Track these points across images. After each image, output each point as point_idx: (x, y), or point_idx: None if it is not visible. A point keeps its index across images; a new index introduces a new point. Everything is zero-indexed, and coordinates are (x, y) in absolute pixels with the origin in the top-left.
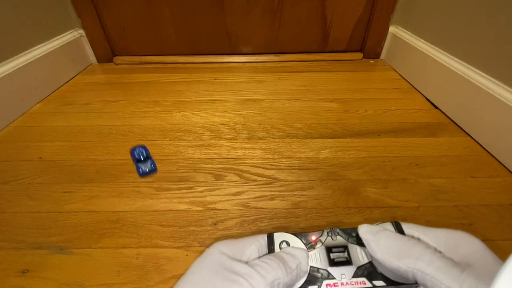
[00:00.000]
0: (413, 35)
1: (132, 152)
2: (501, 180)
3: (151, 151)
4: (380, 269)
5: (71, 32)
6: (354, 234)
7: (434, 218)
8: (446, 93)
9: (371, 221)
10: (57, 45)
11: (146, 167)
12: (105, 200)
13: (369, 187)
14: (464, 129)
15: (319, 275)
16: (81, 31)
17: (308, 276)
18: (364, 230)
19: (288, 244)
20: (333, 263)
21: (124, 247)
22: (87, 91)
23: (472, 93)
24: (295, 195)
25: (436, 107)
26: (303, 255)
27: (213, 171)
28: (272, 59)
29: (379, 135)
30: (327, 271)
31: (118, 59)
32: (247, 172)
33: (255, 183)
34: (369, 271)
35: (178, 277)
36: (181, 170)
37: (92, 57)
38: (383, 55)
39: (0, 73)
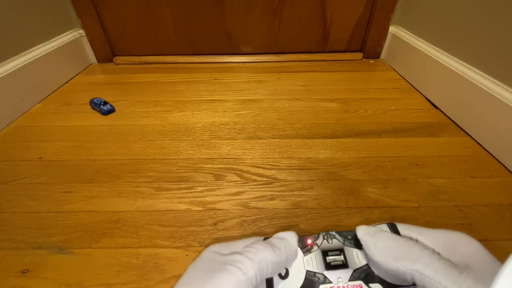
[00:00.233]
0: (413, 35)
1: (91, 101)
2: (501, 180)
3: (151, 151)
4: (377, 272)
5: (71, 32)
6: (350, 237)
7: (434, 218)
8: (446, 93)
9: (371, 221)
10: (57, 45)
11: (106, 108)
12: (105, 200)
13: (369, 187)
14: (464, 129)
15: (315, 279)
16: (81, 31)
17: (304, 281)
18: (362, 232)
19: None
20: (329, 266)
21: (124, 247)
22: (87, 91)
23: (472, 93)
24: (295, 195)
25: (436, 107)
26: (290, 236)
27: (213, 171)
28: (272, 59)
29: (379, 135)
30: (324, 275)
31: (118, 59)
32: (247, 172)
33: (255, 183)
34: (366, 274)
35: (178, 277)
36: (181, 170)
37: (92, 57)
38: (383, 55)
39: (0, 73)
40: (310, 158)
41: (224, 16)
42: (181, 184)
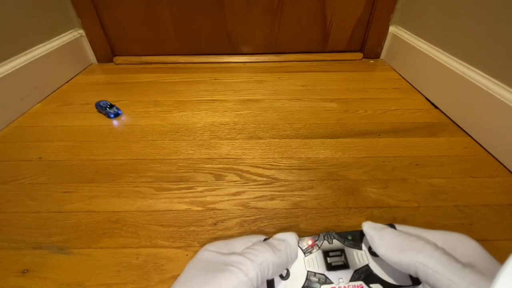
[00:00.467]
0: (413, 35)
1: (97, 104)
2: (501, 180)
3: (151, 151)
4: (376, 271)
5: (71, 32)
6: (350, 238)
7: (434, 218)
8: (446, 93)
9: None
10: (57, 45)
11: (113, 111)
12: (105, 200)
13: (369, 187)
14: (464, 129)
15: (316, 279)
16: (81, 31)
17: (305, 281)
18: (368, 226)
19: None
20: (330, 267)
21: (124, 247)
22: (87, 91)
23: (472, 93)
24: (295, 195)
25: (436, 107)
26: (290, 237)
27: (213, 171)
28: (272, 59)
29: (379, 135)
30: (325, 275)
31: (118, 59)
32: (247, 172)
33: (255, 183)
34: (366, 274)
35: (178, 277)
36: (181, 170)
37: (92, 57)
38: (383, 55)
39: (0, 73)
40: (310, 158)
41: (224, 16)
42: (181, 184)
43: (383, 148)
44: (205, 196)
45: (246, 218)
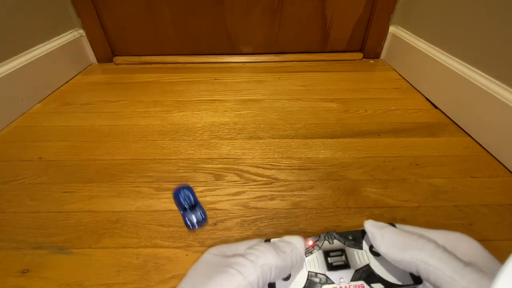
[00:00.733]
0: (413, 35)
1: (176, 196)
2: (501, 180)
3: (151, 151)
4: (377, 271)
5: (71, 32)
6: (350, 237)
7: (434, 218)
8: (446, 93)
9: None
10: (57, 45)
11: (194, 218)
12: (105, 200)
13: (369, 187)
14: (464, 129)
15: (317, 280)
16: (81, 31)
17: (306, 282)
18: (369, 224)
19: None
20: (331, 267)
21: (124, 247)
22: (87, 91)
23: (472, 93)
24: (295, 195)
25: (436, 107)
26: (297, 241)
27: (213, 171)
28: (272, 59)
29: (379, 135)
30: (326, 275)
31: (118, 59)
32: (247, 172)
33: (255, 183)
34: (367, 274)
35: (178, 277)
36: (181, 170)
37: (92, 57)
38: (383, 55)
39: (0, 73)
40: (310, 158)
41: (224, 16)
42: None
43: (383, 148)
44: (205, 196)
45: (246, 218)
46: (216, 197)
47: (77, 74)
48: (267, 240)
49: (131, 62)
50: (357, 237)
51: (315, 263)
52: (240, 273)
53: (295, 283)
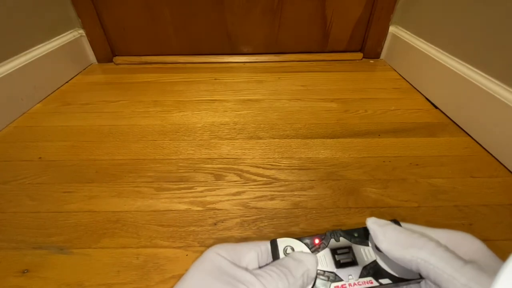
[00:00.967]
0: (413, 35)
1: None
2: (501, 180)
3: (151, 151)
4: (384, 266)
5: (71, 32)
6: (356, 235)
7: (434, 218)
8: (446, 93)
9: None
10: (57, 45)
11: None
12: (105, 200)
13: (369, 187)
14: (464, 129)
15: (326, 278)
16: (81, 31)
17: (315, 280)
18: (371, 222)
19: (292, 249)
20: (339, 264)
21: (124, 247)
22: (87, 91)
23: (472, 93)
24: (295, 195)
25: (436, 107)
26: (311, 260)
27: (213, 171)
28: (272, 59)
29: (379, 135)
30: (334, 273)
31: (118, 59)
32: (247, 172)
33: (255, 183)
34: (375, 270)
35: (178, 277)
36: (181, 170)
37: (92, 57)
38: (383, 55)
39: (0, 73)
40: (310, 158)
41: (224, 16)
42: (181, 184)
43: (383, 148)
44: (205, 196)
45: (246, 218)
46: (216, 197)
47: (77, 74)
48: (273, 241)
49: (131, 62)
50: (362, 234)
51: (322, 261)
52: None
53: None
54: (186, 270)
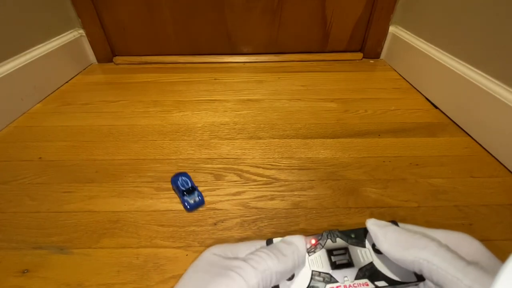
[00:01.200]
0: (413, 35)
1: (174, 181)
2: (501, 180)
3: (151, 151)
4: (380, 268)
5: (71, 32)
6: (353, 236)
7: (434, 218)
8: (446, 93)
9: None
10: (57, 45)
11: (192, 200)
12: (105, 200)
13: (369, 187)
14: (464, 129)
15: (321, 279)
16: (81, 31)
17: (310, 281)
18: (371, 223)
19: None
20: (335, 266)
21: (124, 247)
22: (87, 91)
23: (472, 93)
24: (295, 195)
25: (436, 107)
26: (299, 241)
27: (213, 171)
28: (272, 59)
29: (379, 135)
30: (330, 274)
31: (118, 59)
32: (247, 172)
33: (255, 183)
34: (371, 272)
35: (178, 277)
36: (181, 170)
37: (92, 57)
38: (383, 55)
39: (0, 73)
40: (310, 158)
41: (224, 16)
42: None
43: (383, 148)
44: (205, 196)
45: (246, 218)
46: (216, 197)
47: (77, 74)
48: (269, 240)
49: (131, 62)
50: (360, 235)
51: (318, 262)
52: (241, 276)
53: (298, 283)
54: (186, 270)
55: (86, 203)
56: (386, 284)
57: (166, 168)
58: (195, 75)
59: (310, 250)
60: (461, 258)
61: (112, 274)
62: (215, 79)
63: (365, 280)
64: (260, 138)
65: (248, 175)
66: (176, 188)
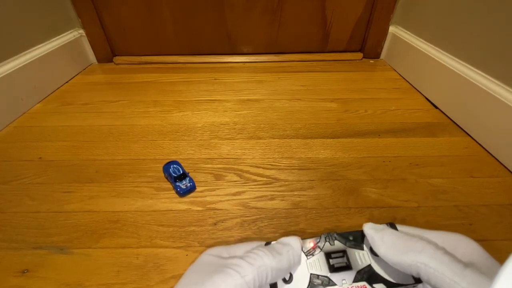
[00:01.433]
0: (413, 35)
1: (166, 169)
2: (501, 180)
3: (151, 151)
4: (378, 271)
5: (71, 32)
6: (351, 238)
7: (434, 218)
8: (446, 93)
9: (371, 221)
10: (57, 45)
11: (184, 185)
12: (105, 200)
13: (369, 187)
14: (464, 129)
15: (319, 282)
16: (81, 31)
17: (309, 284)
18: (368, 227)
19: None
20: (333, 269)
21: (124, 247)
22: (87, 91)
23: (472, 93)
24: (295, 195)
25: (436, 107)
26: (294, 241)
27: (213, 171)
28: (272, 59)
29: (379, 135)
30: (328, 277)
31: (118, 59)
32: (247, 172)
33: (255, 183)
34: (369, 274)
35: (178, 277)
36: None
37: (92, 57)
38: (383, 55)
39: (0, 73)
40: (310, 158)
41: (224, 16)
42: None
43: (383, 148)
44: (205, 196)
45: (246, 218)
46: (216, 197)
47: (77, 74)
48: (267, 243)
49: (131, 62)
50: (358, 237)
51: (317, 265)
52: (237, 272)
53: (297, 286)
54: (186, 270)
55: (86, 203)
56: (385, 287)
57: None
58: (195, 75)
59: (309, 253)
60: (458, 261)
61: (112, 274)
62: (215, 79)
63: (364, 283)
64: (260, 138)
65: (248, 175)
66: (168, 175)
